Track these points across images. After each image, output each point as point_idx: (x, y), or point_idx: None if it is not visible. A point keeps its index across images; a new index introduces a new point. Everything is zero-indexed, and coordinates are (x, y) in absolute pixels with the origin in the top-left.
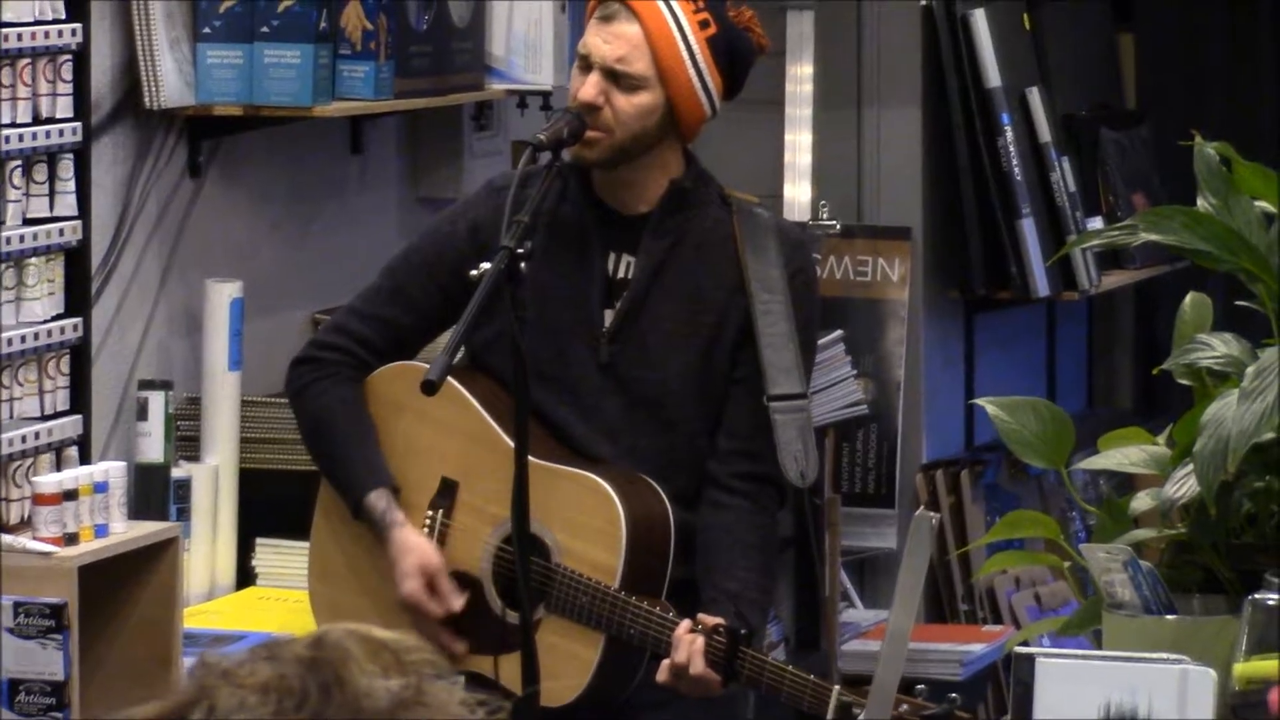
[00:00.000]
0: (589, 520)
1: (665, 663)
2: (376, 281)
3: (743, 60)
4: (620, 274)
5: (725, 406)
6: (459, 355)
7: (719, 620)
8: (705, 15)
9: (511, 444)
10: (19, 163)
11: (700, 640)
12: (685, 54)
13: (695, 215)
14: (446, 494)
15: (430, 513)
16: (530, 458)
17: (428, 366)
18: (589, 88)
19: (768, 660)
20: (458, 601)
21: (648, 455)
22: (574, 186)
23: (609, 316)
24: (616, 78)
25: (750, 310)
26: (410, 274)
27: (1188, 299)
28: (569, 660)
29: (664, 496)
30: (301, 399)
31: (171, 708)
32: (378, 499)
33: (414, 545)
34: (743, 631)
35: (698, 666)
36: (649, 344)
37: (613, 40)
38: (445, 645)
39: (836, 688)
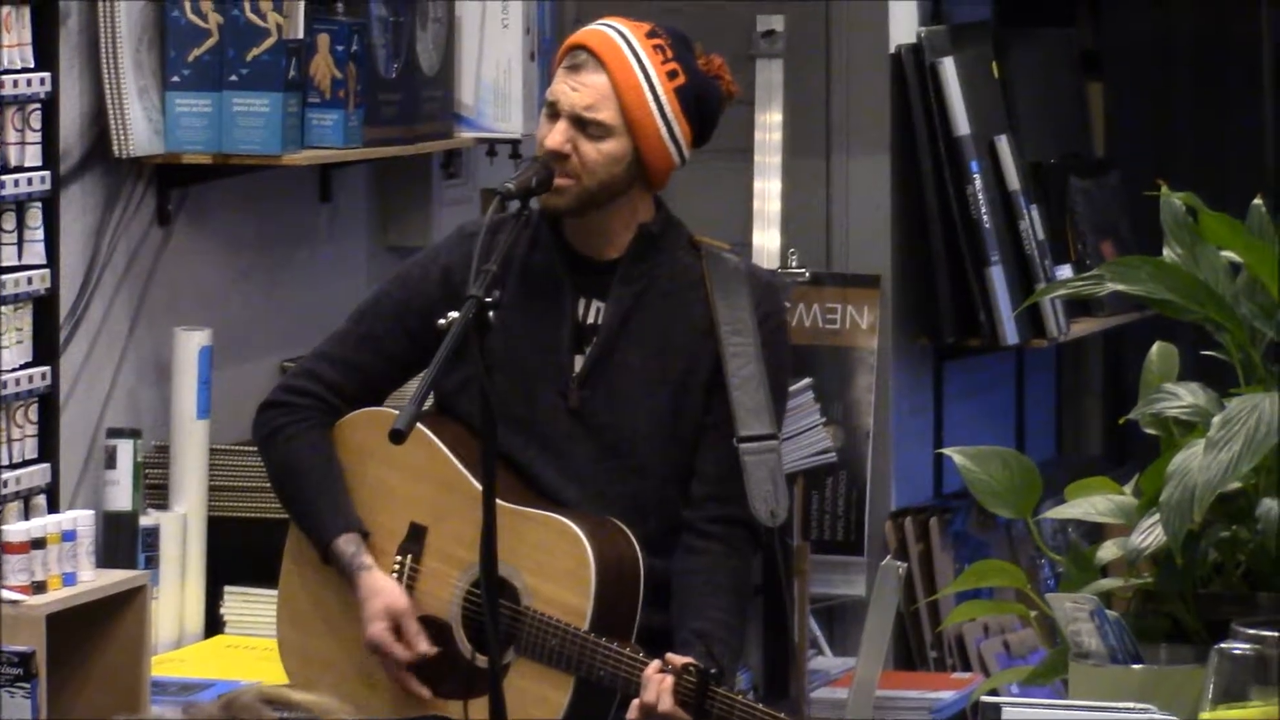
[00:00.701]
0: (558, 562)
1: (635, 702)
2: (346, 326)
3: (711, 109)
4: (590, 320)
5: (698, 451)
6: (427, 403)
7: (688, 660)
8: (674, 65)
9: (479, 487)
10: None
11: (669, 679)
12: (653, 104)
13: (664, 261)
14: (415, 539)
15: (399, 558)
16: (499, 501)
17: (396, 413)
18: (556, 135)
19: (738, 699)
20: (424, 644)
21: (617, 500)
22: (544, 233)
23: (579, 362)
24: (584, 125)
25: (720, 353)
26: (380, 319)
27: (1154, 348)
28: (538, 703)
29: (633, 539)
30: (271, 444)
31: None
32: (346, 544)
33: (381, 588)
34: (713, 671)
35: (666, 704)
36: (618, 389)
37: (580, 89)
38: (412, 689)
39: None
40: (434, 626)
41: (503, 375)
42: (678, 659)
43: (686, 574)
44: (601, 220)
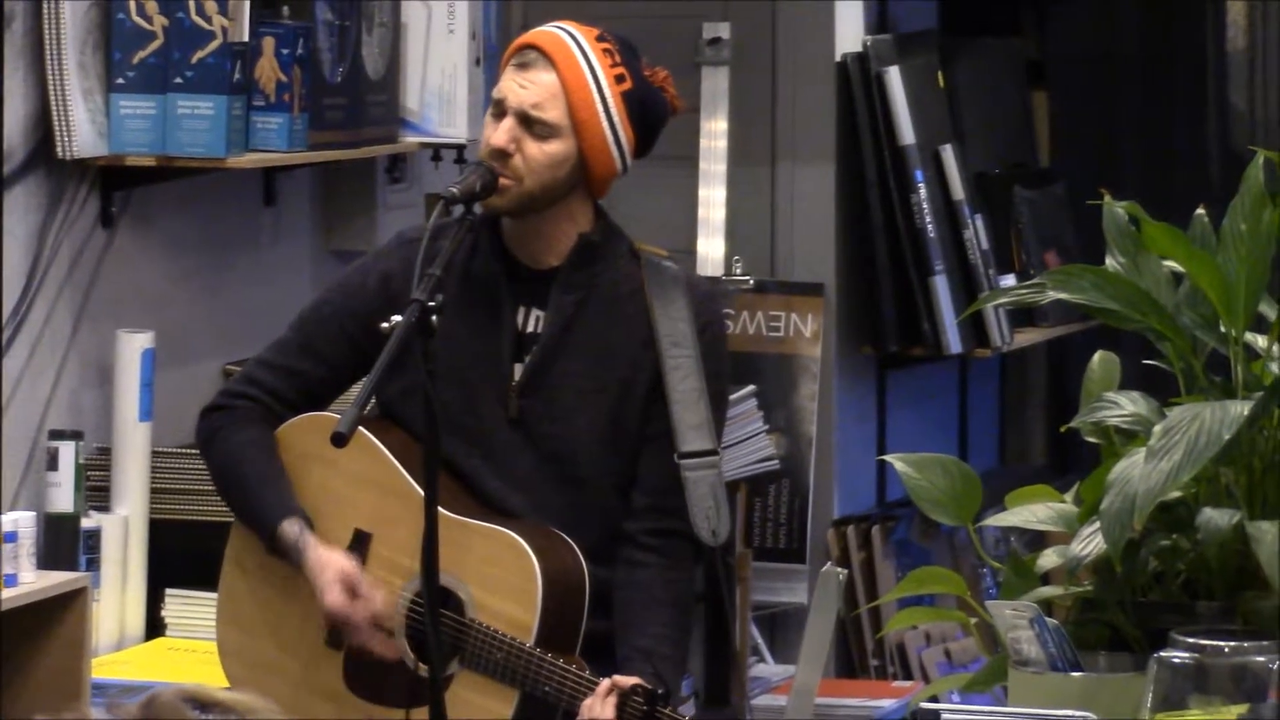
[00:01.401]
0: (504, 576)
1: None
2: (286, 334)
3: (656, 118)
4: (530, 328)
5: (638, 463)
6: (369, 407)
7: (636, 680)
8: (621, 70)
9: (423, 494)
10: None
11: (612, 699)
12: (600, 106)
13: (604, 269)
14: (359, 546)
15: None
16: (444, 511)
17: (338, 417)
18: (501, 133)
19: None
20: (379, 600)
21: (558, 509)
22: (484, 240)
23: (519, 371)
24: (530, 124)
25: (660, 366)
26: (320, 326)
27: (1096, 357)
28: (481, 714)
29: (578, 552)
30: (211, 444)
31: None
32: (290, 526)
33: (329, 560)
34: (659, 691)
35: (608, 713)
36: (558, 399)
37: (529, 86)
38: (378, 650)
39: None
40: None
41: (444, 383)
42: (625, 680)
43: (628, 588)
44: (540, 225)
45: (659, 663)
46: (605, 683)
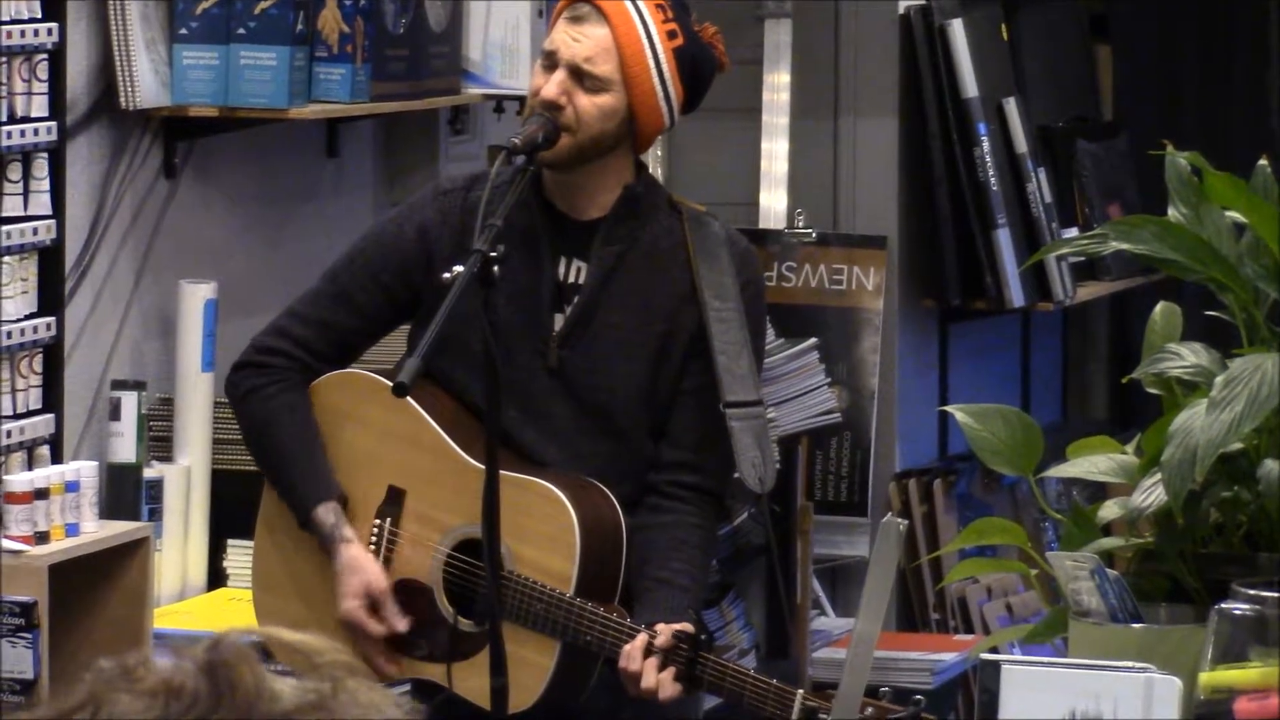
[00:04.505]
0: (542, 527)
1: (623, 668)
2: (319, 285)
3: (705, 75)
4: (571, 279)
5: (671, 416)
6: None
7: (679, 627)
8: (673, 26)
9: (458, 450)
10: None
11: (654, 661)
12: (651, 61)
13: (647, 222)
14: (394, 502)
15: (378, 521)
16: (477, 464)
17: (369, 375)
18: (552, 86)
19: (729, 666)
20: (401, 623)
21: (594, 460)
22: (527, 191)
23: (559, 321)
24: (581, 77)
25: (704, 318)
26: (354, 277)
27: (1158, 308)
28: (523, 667)
29: (614, 500)
30: (247, 405)
31: (58, 712)
32: (326, 513)
33: (360, 565)
34: (702, 637)
35: (650, 681)
36: (598, 350)
37: (581, 39)
38: (380, 666)
39: (800, 692)
40: (415, 591)
41: (481, 332)
42: (667, 628)
43: (650, 529)
44: (586, 178)
45: (675, 592)
46: (642, 636)
